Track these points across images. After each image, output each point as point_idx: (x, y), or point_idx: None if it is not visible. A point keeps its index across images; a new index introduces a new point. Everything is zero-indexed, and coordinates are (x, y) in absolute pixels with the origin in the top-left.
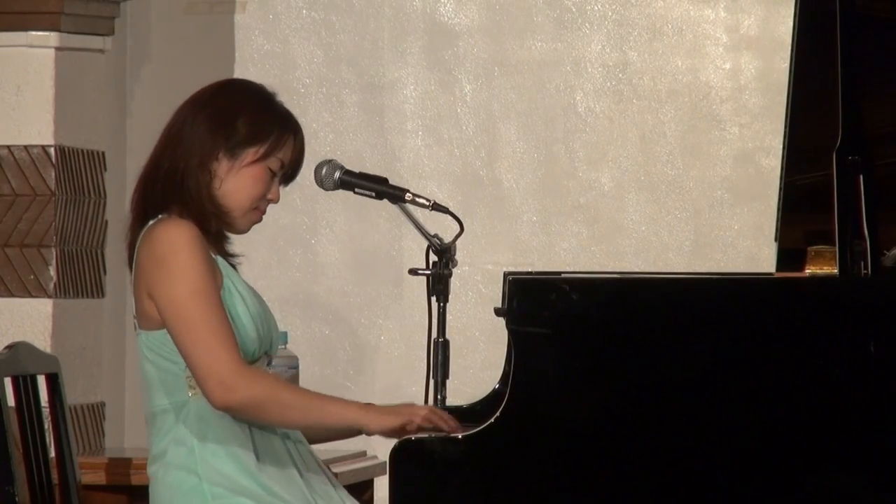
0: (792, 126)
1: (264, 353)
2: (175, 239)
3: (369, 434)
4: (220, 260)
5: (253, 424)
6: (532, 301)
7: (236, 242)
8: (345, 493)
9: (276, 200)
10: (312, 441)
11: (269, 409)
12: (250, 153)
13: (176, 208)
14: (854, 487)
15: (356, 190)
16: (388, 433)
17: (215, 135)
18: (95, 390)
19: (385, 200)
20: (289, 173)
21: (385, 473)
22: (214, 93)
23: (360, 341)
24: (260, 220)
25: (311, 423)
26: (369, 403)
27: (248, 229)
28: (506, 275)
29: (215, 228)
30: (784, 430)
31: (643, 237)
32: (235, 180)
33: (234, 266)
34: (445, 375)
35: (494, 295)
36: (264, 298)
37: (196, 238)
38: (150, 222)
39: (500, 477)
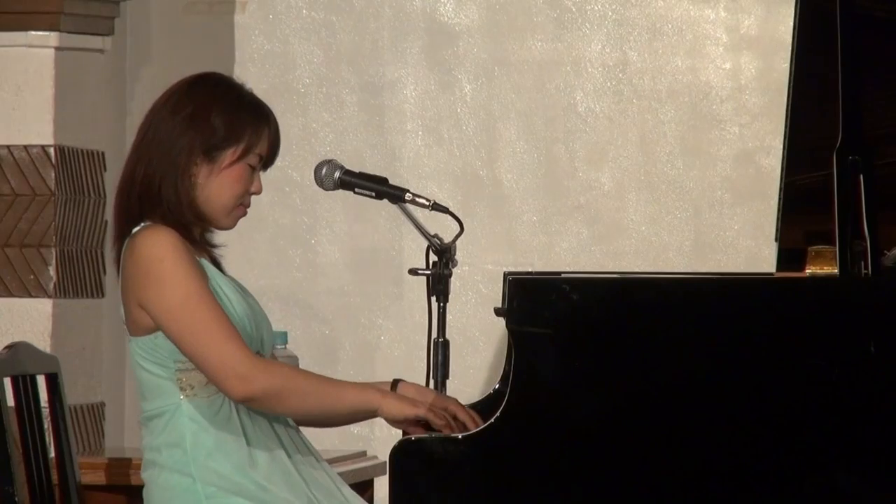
0: (792, 126)
1: (256, 352)
2: (158, 247)
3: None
4: (204, 262)
5: (245, 420)
6: (532, 301)
7: (217, 233)
8: (339, 479)
9: (259, 192)
10: (326, 425)
11: (287, 398)
12: (228, 154)
13: (157, 216)
14: (854, 487)
15: (356, 190)
16: (400, 422)
17: (192, 140)
18: (95, 390)
19: (385, 200)
20: (268, 162)
21: (385, 473)
22: (184, 94)
23: (360, 341)
24: (245, 213)
25: (328, 409)
26: (389, 387)
27: (235, 225)
28: (506, 275)
29: (199, 234)
30: (784, 429)
31: (643, 237)
32: (217, 183)
33: (219, 265)
34: (445, 375)
35: (494, 295)
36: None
37: (178, 244)
38: (134, 229)
39: (500, 477)
